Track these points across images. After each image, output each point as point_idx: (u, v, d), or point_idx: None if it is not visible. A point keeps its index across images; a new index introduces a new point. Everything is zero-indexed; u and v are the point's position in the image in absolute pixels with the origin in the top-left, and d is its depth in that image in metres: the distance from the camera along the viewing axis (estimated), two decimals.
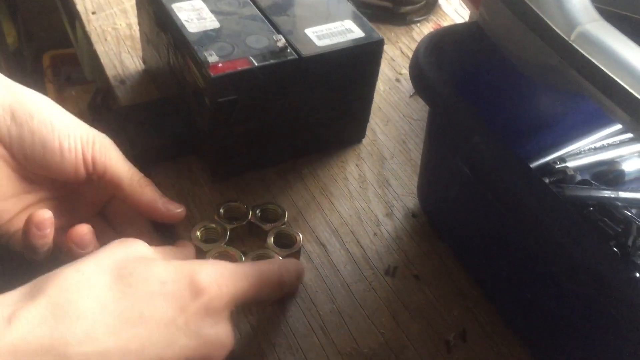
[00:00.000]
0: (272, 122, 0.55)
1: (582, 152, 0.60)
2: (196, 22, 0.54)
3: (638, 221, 0.51)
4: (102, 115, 1.22)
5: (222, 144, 0.55)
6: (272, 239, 0.52)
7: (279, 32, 0.54)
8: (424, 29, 0.79)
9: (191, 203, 0.55)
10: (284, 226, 0.53)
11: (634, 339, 0.38)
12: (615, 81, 0.35)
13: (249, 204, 0.54)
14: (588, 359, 0.44)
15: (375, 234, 0.55)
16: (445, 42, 0.48)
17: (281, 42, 0.52)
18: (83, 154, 0.46)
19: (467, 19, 0.80)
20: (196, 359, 0.39)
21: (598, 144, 0.61)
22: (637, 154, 0.60)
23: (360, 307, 0.50)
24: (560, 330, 0.45)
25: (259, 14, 0.56)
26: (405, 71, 0.72)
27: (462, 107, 0.43)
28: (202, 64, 0.50)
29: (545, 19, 0.38)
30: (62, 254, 0.44)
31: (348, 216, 0.56)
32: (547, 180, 0.56)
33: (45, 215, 0.43)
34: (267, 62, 0.51)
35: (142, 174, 0.49)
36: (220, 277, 0.40)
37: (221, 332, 0.40)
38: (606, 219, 0.51)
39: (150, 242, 0.43)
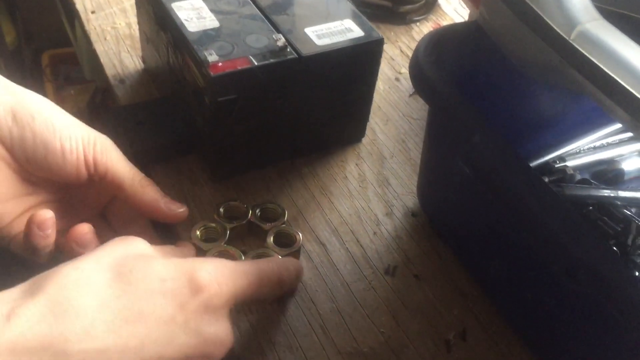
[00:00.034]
0: (272, 122, 0.55)
1: (582, 151, 0.60)
2: (196, 22, 0.54)
3: (637, 220, 0.51)
4: (101, 115, 1.22)
5: (222, 143, 0.55)
6: (271, 238, 0.52)
7: (278, 31, 0.54)
8: (424, 28, 0.79)
9: (191, 202, 0.55)
10: (283, 225, 0.53)
11: (633, 338, 0.38)
12: (616, 80, 0.35)
13: (248, 204, 0.54)
14: (588, 357, 0.44)
15: (375, 233, 0.55)
16: (445, 41, 0.48)
17: (281, 41, 0.52)
18: (84, 155, 0.46)
19: (466, 18, 0.80)
20: (196, 356, 0.39)
21: (597, 143, 0.61)
22: (636, 153, 0.60)
23: (360, 307, 0.50)
24: (560, 329, 0.45)
25: (259, 13, 0.56)
26: (405, 70, 0.72)
27: (462, 107, 0.43)
28: (202, 63, 0.50)
29: (545, 18, 0.38)
30: (63, 254, 0.44)
31: (348, 215, 0.56)
32: (546, 180, 0.56)
33: (47, 215, 0.43)
34: (267, 62, 0.51)
35: (144, 175, 0.49)
36: (220, 275, 0.40)
37: (220, 330, 0.40)
38: (606, 218, 0.51)
39: (152, 243, 0.43)
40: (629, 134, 0.61)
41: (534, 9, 0.39)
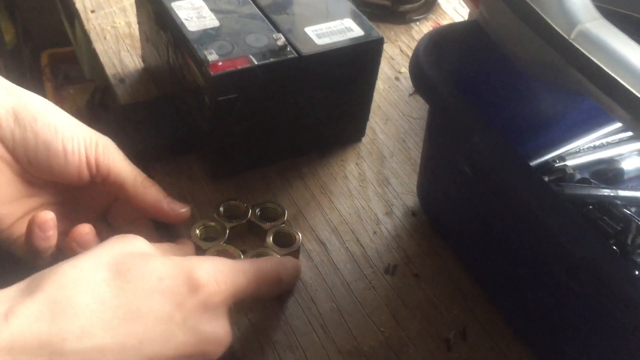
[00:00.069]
0: (272, 121, 0.55)
1: (582, 150, 0.60)
2: (196, 21, 0.54)
3: (637, 219, 0.51)
4: (100, 114, 1.22)
5: (221, 142, 0.55)
6: (271, 238, 0.52)
7: (278, 30, 0.54)
8: (424, 27, 0.79)
9: (191, 202, 0.55)
10: (283, 225, 0.53)
11: (634, 337, 0.38)
12: (616, 80, 0.35)
13: (248, 203, 0.54)
14: (588, 357, 0.44)
15: (375, 232, 0.55)
16: (445, 40, 0.48)
17: (281, 40, 0.52)
18: (86, 156, 0.46)
19: (466, 17, 0.80)
20: (194, 355, 0.39)
21: (597, 143, 0.61)
22: (636, 153, 0.60)
23: (360, 306, 0.50)
24: (560, 328, 0.45)
25: (259, 12, 0.56)
26: (405, 70, 0.72)
27: (462, 106, 0.43)
28: (202, 63, 0.50)
29: (545, 17, 0.38)
30: (64, 255, 0.44)
31: (348, 215, 0.56)
32: (546, 179, 0.56)
33: (48, 216, 0.43)
34: (267, 61, 0.51)
35: (146, 175, 0.49)
36: (219, 274, 0.40)
37: (219, 329, 0.40)
38: (605, 218, 0.51)
39: (162, 243, 0.44)
40: (629, 134, 0.61)
41: (534, 8, 0.39)
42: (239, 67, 0.50)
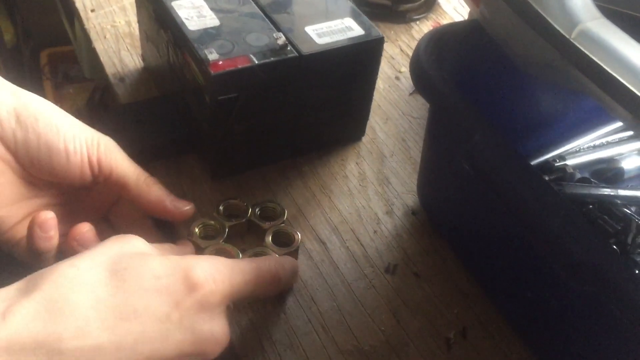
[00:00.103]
0: (272, 120, 0.55)
1: (582, 150, 0.60)
2: (196, 20, 0.54)
3: (637, 219, 0.51)
4: (100, 114, 1.22)
5: (222, 142, 0.54)
6: (270, 237, 0.52)
7: (279, 30, 0.54)
8: (424, 27, 0.79)
9: (191, 201, 0.55)
10: (282, 225, 0.53)
11: (634, 336, 0.38)
12: (617, 79, 0.35)
13: (248, 202, 0.54)
14: (588, 356, 0.44)
15: (375, 231, 0.55)
16: (446, 40, 0.48)
17: (281, 40, 0.52)
18: (89, 157, 0.46)
19: (466, 17, 0.80)
20: (191, 354, 0.39)
21: (597, 142, 0.61)
22: (636, 152, 0.60)
23: (361, 305, 0.50)
24: (560, 327, 0.45)
25: (259, 11, 0.56)
26: (405, 69, 0.72)
27: (463, 105, 0.43)
28: (202, 62, 0.50)
29: (546, 17, 0.38)
30: (66, 255, 0.44)
31: (348, 214, 0.56)
32: (546, 178, 0.56)
33: (48, 216, 0.43)
34: (267, 60, 0.51)
35: (148, 174, 0.49)
36: (216, 273, 0.40)
37: (216, 328, 0.40)
38: (606, 217, 0.51)
39: (162, 243, 0.43)
40: (629, 133, 0.61)
41: (534, 7, 0.39)
42: (240, 67, 0.50)
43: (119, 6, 0.75)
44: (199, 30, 0.53)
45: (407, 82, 0.71)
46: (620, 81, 0.35)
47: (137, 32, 0.71)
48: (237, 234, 0.53)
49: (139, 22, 0.65)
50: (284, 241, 0.52)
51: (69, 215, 0.48)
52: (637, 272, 0.48)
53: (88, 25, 0.72)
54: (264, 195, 0.57)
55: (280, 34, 0.53)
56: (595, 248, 0.36)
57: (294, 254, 0.51)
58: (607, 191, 0.53)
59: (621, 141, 0.61)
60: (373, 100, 0.61)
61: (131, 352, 0.36)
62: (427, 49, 0.46)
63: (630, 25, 0.38)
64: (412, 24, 0.79)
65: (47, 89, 1.53)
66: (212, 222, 0.52)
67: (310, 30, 0.54)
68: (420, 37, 0.48)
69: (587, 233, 0.37)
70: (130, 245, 0.41)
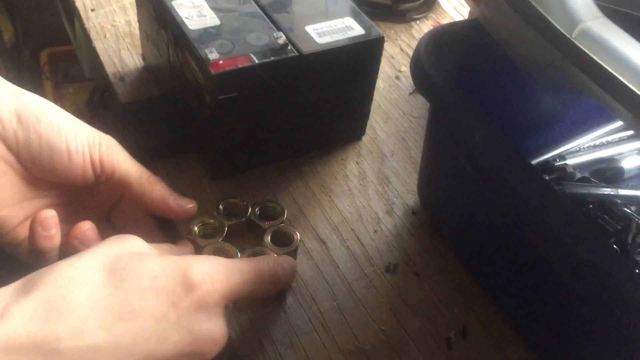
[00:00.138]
0: (273, 120, 0.55)
1: (582, 149, 0.60)
2: (196, 19, 0.54)
3: (637, 218, 0.51)
4: (100, 113, 1.22)
5: (222, 141, 0.54)
6: (269, 237, 0.52)
7: (279, 29, 0.54)
8: (424, 26, 0.79)
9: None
10: (282, 224, 0.53)
11: (634, 336, 0.38)
12: (617, 78, 0.35)
13: (248, 202, 0.54)
14: (589, 355, 0.44)
15: (375, 231, 0.55)
16: (446, 39, 0.48)
17: (282, 39, 0.52)
18: (90, 156, 0.46)
19: (466, 16, 0.80)
20: (188, 354, 0.39)
21: (597, 142, 0.61)
22: (636, 152, 0.60)
23: (361, 304, 0.50)
24: (561, 327, 0.45)
25: (259, 11, 0.56)
26: (405, 69, 0.72)
27: (463, 105, 0.43)
28: (202, 61, 0.50)
29: (547, 16, 0.38)
30: (67, 254, 0.44)
31: (348, 213, 0.56)
32: (546, 178, 0.56)
33: (49, 214, 0.43)
34: (267, 60, 0.51)
35: (151, 172, 0.49)
36: (214, 273, 0.40)
37: (214, 328, 0.40)
38: (606, 217, 0.51)
39: (157, 243, 0.43)
40: (629, 132, 0.61)
41: (535, 7, 0.39)
42: (240, 66, 0.50)
43: (119, 5, 0.75)
44: (199, 29, 0.53)
45: (407, 81, 0.71)
46: (620, 80, 0.35)
47: (137, 31, 0.71)
48: (236, 233, 0.53)
49: (139, 21, 0.65)
50: (283, 241, 0.52)
51: (71, 215, 0.48)
52: (637, 271, 0.48)
53: (88, 24, 0.72)
54: (264, 195, 0.57)
55: (281, 34, 0.53)
56: (595, 247, 0.36)
57: (293, 253, 0.51)
58: (607, 191, 0.53)
59: (621, 141, 0.61)
60: (373, 100, 0.61)
61: (129, 352, 0.36)
62: (428, 49, 0.46)
63: (631, 25, 0.38)
64: (412, 23, 0.79)
65: (47, 89, 1.53)
66: (212, 221, 0.52)
67: (311, 29, 0.54)
68: (421, 37, 0.48)
69: (588, 232, 0.37)
70: (129, 246, 0.41)
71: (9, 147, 0.44)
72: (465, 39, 0.50)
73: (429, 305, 0.50)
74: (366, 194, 0.58)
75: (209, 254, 0.49)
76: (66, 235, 0.45)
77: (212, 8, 0.55)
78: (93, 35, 0.71)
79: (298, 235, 0.52)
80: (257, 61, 0.50)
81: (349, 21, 0.56)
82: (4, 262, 0.48)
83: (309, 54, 0.52)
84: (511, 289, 0.49)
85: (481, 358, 0.48)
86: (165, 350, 0.37)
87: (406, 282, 0.52)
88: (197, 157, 0.59)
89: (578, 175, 0.57)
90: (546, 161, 0.58)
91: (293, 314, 0.49)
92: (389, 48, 0.75)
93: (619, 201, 0.53)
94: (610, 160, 0.59)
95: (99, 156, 0.46)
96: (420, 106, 0.68)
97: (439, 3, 0.82)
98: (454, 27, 0.54)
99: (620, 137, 0.61)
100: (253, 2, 0.57)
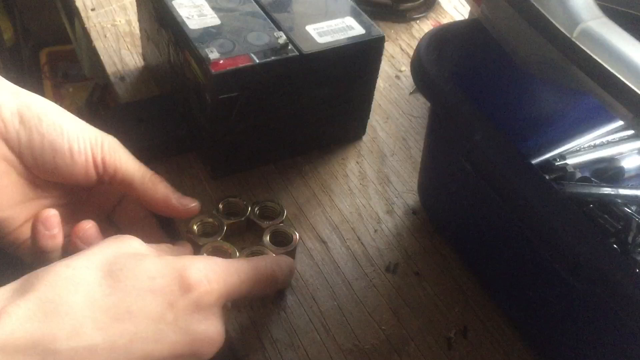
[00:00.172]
0: (273, 119, 0.55)
1: (582, 149, 0.60)
2: (197, 19, 0.54)
3: (638, 218, 0.51)
4: (100, 113, 1.22)
5: (222, 141, 0.54)
6: (268, 236, 0.51)
7: (279, 29, 0.54)
8: (424, 26, 0.79)
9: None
10: (281, 224, 0.53)
11: (635, 335, 0.38)
12: (618, 78, 0.35)
13: (248, 201, 0.54)
14: (589, 355, 0.44)
15: (375, 231, 0.55)
16: (447, 39, 0.48)
17: (282, 39, 0.52)
18: (93, 156, 0.46)
19: (466, 16, 0.80)
20: (185, 354, 0.39)
21: (598, 141, 0.61)
22: (636, 151, 0.60)
23: (361, 304, 0.50)
24: (561, 326, 0.45)
25: (260, 10, 0.56)
26: (405, 68, 0.73)
27: (464, 104, 0.43)
28: (203, 61, 0.50)
29: (547, 16, 0.38)
30: (69, 253, 0.44)
31: (349, 213, 0.56)
32: (547, 178, 0.56)
33: (51, 213, 0.43)
34: (268, 59, 0.51)
35: (153, 172, 0.49)
36: (211, 273, 0.40)
37: (211, 328, 0.40)
38: (606, 216, 0.51)
39: (160, 242, 0.43)
40: (629, 132, 0.61)
41: (536, 6, 0.39)
42: (240, 66, 0.50)
43: (119, 5, 0.75)
44: (199, 29, 0.53)
45: (407, 81, 0.71)
46: (621, 80, 0.35)
47: (137, 31, 0.71)
48: (236, 233, 0.53)
49: (139, 21, 0.65)
50: (282, 241, 0.52)
51: (73, 215, 0.48)
52: (637, 271, 0.48)
53: (88, 24, 0.72)
54: (264, 194, 0.57)
55: (281, 33, 0.53)
56: (596, 247, 0.36)
57: (292, 253, 0.51)
58: (607, 190, 0.53)
59: (621, 140, 0.61)
60: (373, 100, 0.61)
61: (125, 352, 0.36)
62: (428, 48, 0.46)
63: (631, 24, 0.38)
64: (413, 23, 0.79)
65: (47, 88, 1.53)
66: (211, 220, 0.52)
67: (311, 29, 0.54)
68: (421, 36, 0.48)
69: (588, 232, 0.37)
70: (127, 246, 0.41)
71: (11, 148, 0.44)
72: (466, 39, 0.50)
73: (430, 304, 0.51)
74: (366, 193, 0.58)
75: (208, 252, 0.49)
76: (68, 235, 0.45)
77: (213, 8, 0.55)
78: (93, 34, 0.71)
79: (297, 235, 0.52)
80: (257, 61, 0.50)
81: (350, 21, 0.56)
82: (5, 263, 0.48)
83: (310, 54, 0.52)
84: (512, 289, 0.49)
85: (481, 357, 0.48)
86: (162, 350, 0.37)
87: (406, 281, 0.52)
88: (197, 157, 0.59)
89: (578, 174, 0.57)
90: (546, 161, 0.58)
91: (293, 314, 0.49)
92: (389, 47, 0.75)
93: (619, 201, 0.53)
94: (611, 159, 0.59)
95: (102, 156, 0.46)
96: (421, 106, 0.68)
97: (439, 3, 0.82)
98: (455, 26, 0.54)
99: (620, 137, 0.61)
100: (253, 1, 0.57)
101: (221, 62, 0.50)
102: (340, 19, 0.56)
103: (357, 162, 0.61)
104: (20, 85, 0.46)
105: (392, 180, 0.60)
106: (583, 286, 0.39)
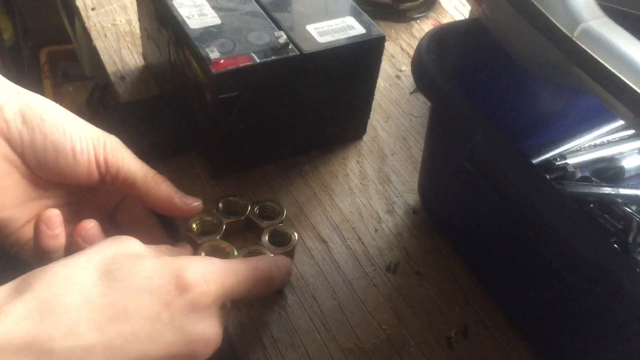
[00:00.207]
0: (273, 119, 0.55)
1: (582, 149, 0.60)
2: (197, 18, 0.54)
3: (638, 218, 0.51)
4: (100, 112, 1.22)
5: (223, 140, 0.54)
6: (267, 236, 0.51)
7: (280, 28, 0.54)
8: (424, 25, 0.79)
9: None
10: (280, 224, 0.53)
11: (635, 335, 0.38)
12: (619, 78, 0.35)
13: (248, 200, 0.54)
14: (590, 354, 0.44)
15: (376, 230, 0.55)
16: (448, 38, 0.48)
17: (283, 38, 0.52)
18: (95, 156, 0.46)
19: (466, 15, 0.80)
20: (181, 355, 0.38)
21: (598, 141, 0.61)
22: (636, 151, 0.60)
23: (362, 304, 0.50)
24: (562, 326, 0.45)
25: (260, 10, 0.56)
26: (405, 68, 0.73)
27: (465, 104, 0.43)
28: (203, 60, 0.50)
29: (548, 15, 0.38)
30: (71, 253, 0.44)
31: (349, 213, 0.56)
32: (547, 177, 0.56)
33: (53, 212, 0.43)
34: (268, 59, 0.51)
35: (155, 171, 0.49)
36: (208, 273, 0.40)
37: (207, 329, 0.40)
38: (606, 216, 0.51)
39: (162, 242, 0.43)
40: (630, 132, 0.61)
41: (536, 6, 0.39)
42: (241, 65, 0.50)
43: (120, 4, 0.75)
44: (200, 28, 0.53)
45: (407, 80, 0.71)
46: (622, 80, 0.35)
47: (137, 30, 0.71)
48: (235, 232, 0.53)
49: (139, 20, 0.65)
50: (281, 241, 0.52)
51: (76, 215, 0.48)
52: (638, 270, 0.48)
53: (88, 23, 0.72)
54: (264, 194, 0.57)
55: (282, 33, 0.53)
56: (596, 246, 0.36)
57: (290, 254, 0.51)
58: (607, 190, 0.53)
59: (622, 140, 0.61)
60: (374, 99, 0.61)
61: (121, 352, 0.36)
62: (429, 48, 0.46)
63: (632, 24, 0.38)
64: (413, 22, 0.79)
65: (47, 88, 1.53)
66: (210, 218, 0.52)
67: (312, 28, 0.54)
68: (421, 36, 0.48)
69: (588, 232, 0.37)
70: (125, 247, 0.40)
71: (13, 148, 0.44)
72: (467, 38, 0.50)
73: (430, 304, 0.51)
74: (367, 193, 0.58)
75: (206, 251, 0.49)
76: (70, 235, 0.45)
77: (213, 7, 0.55)
78: (93, 34, 0.71)
79: (296, 235, 0.52)
80: (258, 60, 0.50)
81: (350, 20, 0.56)
82: (6, 263, 0.48)
83: (310, 53, 0.52)
84: (512, 288, 0.49)
85: (482, 357, 0.48)
86: (158, 351, 0.37)
87: (407, 281, 0.52)
88: (198, 156, 0.59)
89: (579, 174, 0.57)
90: (547, 160, 0.58)
91: (294, 313, 0.49)
92: (389, 47, 0.75)
93: (619, 200, 0.53)
94: (611, 159, 0.59)
95: (104, 156, 0.46)
96: (421, 105, 0.68)
97: (439, 2, 0.82)
98: (455, 26, 0.54)
99: (620, 137, 0.61)
100: (254, 1, 0.57)
101: (222, 61, 0.50)
102: (340, 18, 0.56)
103: (357, 162, 0.61)
104: (20, 85, 0.46)
105: (393, 179, 0.60)
106: (583, 286, 0.39)
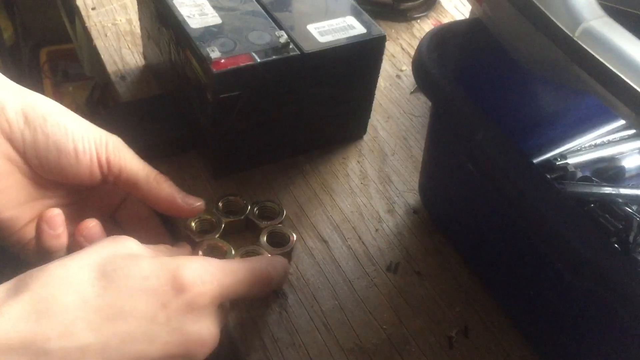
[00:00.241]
0: (274, 118, 0.55)
1: (583, 148, 0.60)
2: (198, 18, 0.54)
3: (639, 217, 0.51)
4: (101, 112, 1.22)
5: (223, 140, 0.54)
6: (265, 237, 0.51)
7: (281, 28, 0.54)
8: (425, 25, 0.79)
9: None
10: (280, 225, 0.53)
11: (637, 334, 0.38)
12: (620, 78, 0.35)
13: (248, 200, 0.54)
14: (591, 354, 0.44)
15: (376, 230, 0.55)
16: (448, 38, 0.48)
17: (283, 38, 0.52)
18: (97, 156, 0.46)
19: (467, 15, 0.80)
20: (177, 355, 0.38)
21: (599, 141, 0.61)
22: (637, 151, 0.60)
23: (363, 303, 0.50)
24: (562, 325, 0.45)
25: (261, 9, 0.56)
26: (406, 67, 0.72)
27: (465, 104, 0.43)
28: (204, 60, 0.50)
29: (549, 15, 0.38)
30: (72, 251, 0.44)
31: (349, 212, 0.56)
32: (548, 177, 0.56)
33: (55, 212, 0.43)
34: (269, 58, 0.51)
35: (157, 171, 0.49)
36: (206, 274, 0.40)
37: (204, 330, 0.40)
38: (607, 216, 0.51)
39: (164, 242, 0.43)
40: (630, 132, 0.61)
41: (538, 6, 0.39)
42: (241, 65, 0.50)
43: (120, 4, 0.75)
44: (200, 28, 0.53)
45: (408, 80, 0.71)
46: (623, 80, 0.35)
47: (138, 30, 0.71)
48: (234, 231, 0.53)
49: (140, 19, 0.65)
50: (279, 242, 0.52)
51: (77, 215, 0.48)
52: (638, 270, 0.48)
53: (89, 23, 0.72)
54: (265, 194, 0.57)
55: (282, 32, 0.52)
56: (597, 246, 0.36)
57: (288, 255, 0.51)
58: (608, 190, 0.53)
59: (622, 140, 0.61)
60: (374, 99, 0.61)
61: (117, 352, 0.36)
62: (430, 48, 0.46)
63: (633, 24, 0.38)
64: (413, 22, 0.79)
65: (47, 87, 1.53)
66: (209, 217, 0.52)
67: (312, 28, 0.54)
68: (422, 36, 0.48)
69: (589, 231, 0.37)
70: (123, 247, 0.40)
71: (15, 148, 0.44)
72: (467, 38, 0.50)
73: (431, 304, 0.51)
74: (367, 192, 0.58)
75: (203, 250, 0.49)
76: (72, 235, 0.45)
77: (214, 7, 0.55)
78: (94, 33, 0.71)
79: (294, 236, 0.52)
80: (258, 60, 0.50)
81: (351, 20, 0.56)
82: (6, 263, 0.48)
83: (311, 53, 0.52)
84: (513, 288, 0.49)
85: (483, 357, 0.48)
86: (154, 351, 0.37)
87: (407, 281, 0.52)
88: (198, 156, 0.59)
89: (579, 174, 0.57)
90: (548, 160, 0.58)
91: (294, 313, 0.49)
92: (390, 47, 0.75)
93: (620, 200, 0.53)
94: (612, 159, 0.59)
95: (106, 156, 0.46)
96: (422, 105, 0.68)
97: (439, 2, 0.82)
98: (456, 26, 0.54)
99: (621, 136, 0.61)
100: (254, 0, 0.57)
101: (222, 61, 0.50)
102: (341, 18, 0.56)
103: (358, 162, 0.61)
104: (20, 85, 0.46)
105: (393, 179, 0.60)
106: (584, 285, 0.39)
